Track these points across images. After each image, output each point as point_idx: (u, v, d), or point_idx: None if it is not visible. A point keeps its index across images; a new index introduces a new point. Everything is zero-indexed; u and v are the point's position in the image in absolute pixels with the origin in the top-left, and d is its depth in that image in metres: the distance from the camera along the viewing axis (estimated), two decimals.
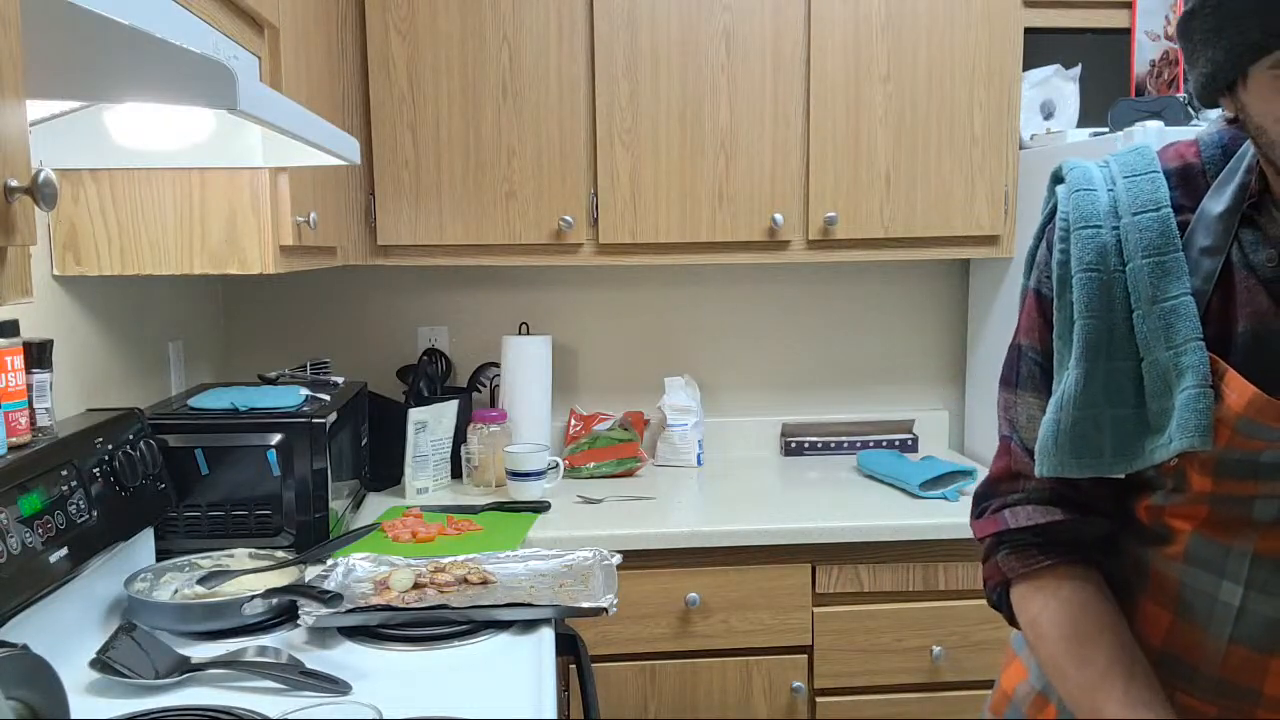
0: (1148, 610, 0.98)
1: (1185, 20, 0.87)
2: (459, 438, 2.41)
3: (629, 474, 2.49)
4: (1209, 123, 1.02)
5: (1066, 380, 0.94)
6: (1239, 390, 0.86)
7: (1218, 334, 0.89)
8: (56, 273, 1.65)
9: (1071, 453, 0.94)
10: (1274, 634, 0.90)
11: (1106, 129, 2.19)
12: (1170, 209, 0.92)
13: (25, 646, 1.02)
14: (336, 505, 1.90)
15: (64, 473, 1.38)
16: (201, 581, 1.59)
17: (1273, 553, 0.89)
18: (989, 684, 2.14)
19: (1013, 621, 1.04)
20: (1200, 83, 0.89)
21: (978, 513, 1.06)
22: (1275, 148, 0.84)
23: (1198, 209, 0.93)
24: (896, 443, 2.67)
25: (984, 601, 2.10)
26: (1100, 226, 0.93)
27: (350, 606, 1.52)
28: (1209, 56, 0.86)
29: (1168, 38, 2.51)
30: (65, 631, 1.43)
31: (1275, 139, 0.84)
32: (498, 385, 2.57)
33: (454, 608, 1.54)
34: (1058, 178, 1.02)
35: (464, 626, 1.52)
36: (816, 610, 2.10)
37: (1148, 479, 0.96)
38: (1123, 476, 0.97)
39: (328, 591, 1.48)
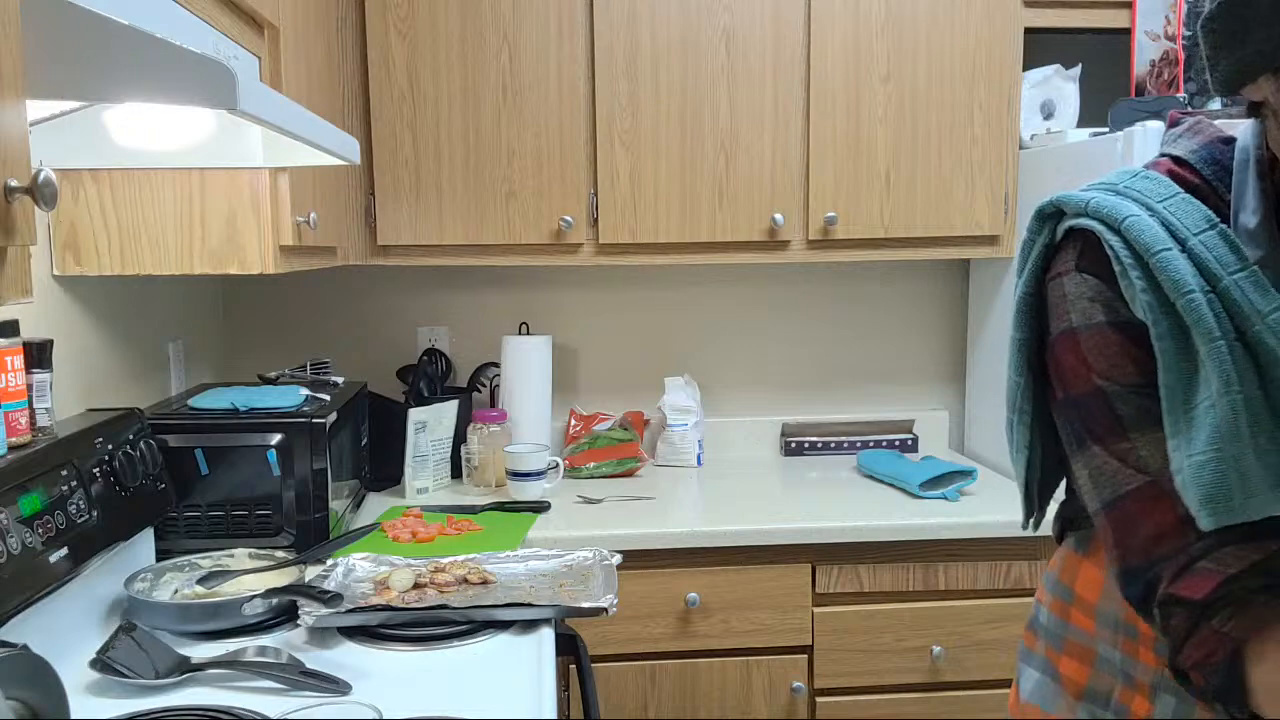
0: None
1: (1226, 8, 0.83)
2: (459, 438, 2.41)
3: (629, 474, 2.49)
4: (1181, 138, 0.99)
5: (1214, 412, 0.83)
6: None
7: None
8: (56, 273, 1.66)
9: (1243, 492, 0.82)
10: None
11: (1106, 129, 2.19)
12: (1224, 225, 0.88)
13: (25, 646, 1.02)
14: (336, 505, 1.91)
15: (64, 473, 1.38)
16: (201, 581, 1.59)
17: None
18: (989, 684, 2.14)
19: (1239, 703, 0.83)
20: (1234, 68, 0.85)
21: (1143, 588, 0.88)
22: None
23: (1231, 225, 0.90)
24: (896, 443, 2.67)
25: (984, 601, 2.10)
26: (1172, 249, 0.87)
27: (350, 606, 1.52)
28: (1247, 53, 0.83)
29: (1168, 38, 2.51)
30: (65, 631, 1.43)
31: None
32: (498, 385, 2.57)
33: (454, 608, 1.54)
34: (1051, 214, 0.97)
35: (464, 626, 1.52)
36: (816, 610, 2.10)
37: None
38: None
39: (328, 591, 1.48)
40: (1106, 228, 0.91)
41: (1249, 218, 0.89)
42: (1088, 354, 0.92)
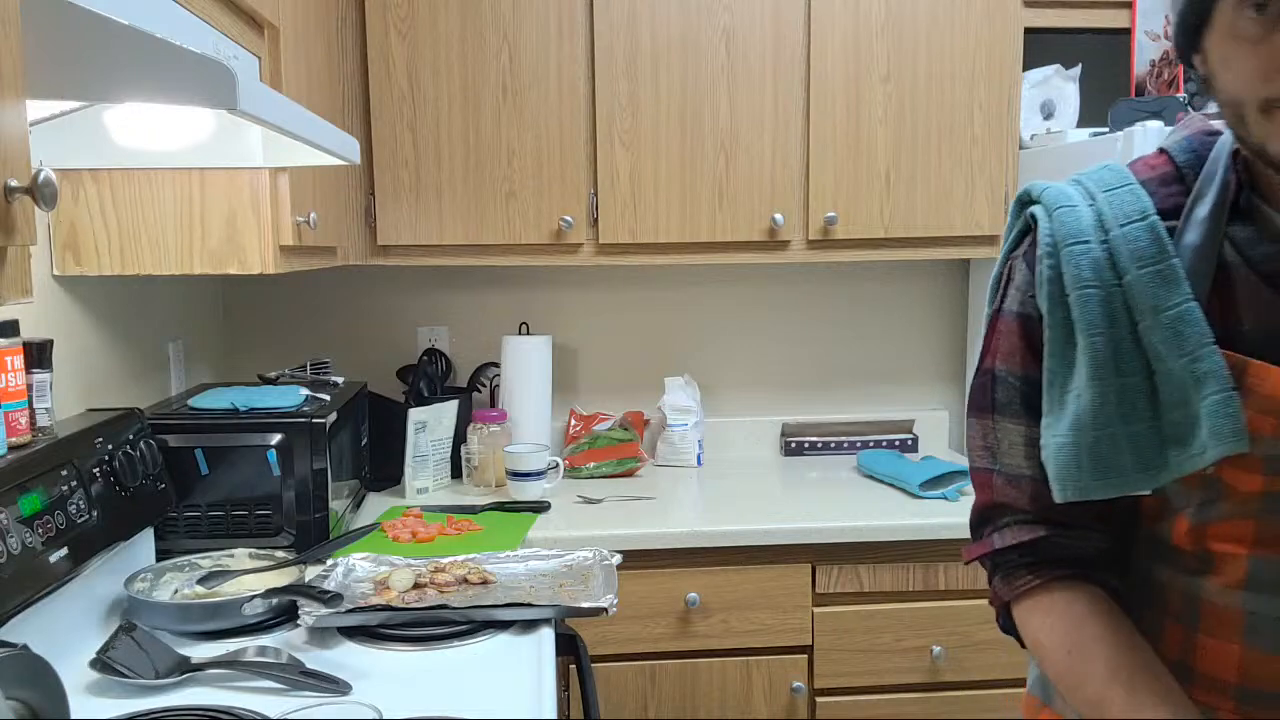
0: (1210, 647, 0.92)
1: None
2: (459, 438, 2.41)
3: (629, 474, 2.49)
4: (1174, 132, 1.01)
5: (1079, 401, 0.90)
6: (1270, 376, 0.84)
7: (1224, 334, 0.87)
8: (56, 273, 1.66)
9: (1094, 474, 0.90)
10: None
11: (1106, 129, 2.19)
12: (1156, 217, 0.91)
13: (25, 646, 1.02)
14: (336, 505, 1.90)
15: (64, 473, 1.38)
16: (201, 581, 1.59)
17: None
18: (989, 684, 2.14)
19: (1024, 646, 1.02)
20: (1174, 34, 0.89)
21: (974, 539, 1.04)
22: (1231, 104, 0.84)
23: (1183, 213, 0.92)
24: (896, 443, 2.67)
25: (984, 601, 2.10)
26: (1089, 241, 0.92)
27: (350, 606, 1.52)
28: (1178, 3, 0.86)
29: (1168, 38, 2.51)
30: (65, 631, 1.43)
31: (1231, 93, 0.83)
32: (498, 385, 2.57)
33: (454, 608, 1.54)
34: (1025, 201, 1.00)
35: (464, 626, 1.52)
36: (816, 610, 2.10)
37: (1168, 494, 0.93)
38: (1148, 493, 0.93)
39: (328, 591, 1.48)
40: (1045, 215, 0.95)
41: (1200, 207, 0.91)
42: (997, 336, 1.00)
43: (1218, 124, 0.97)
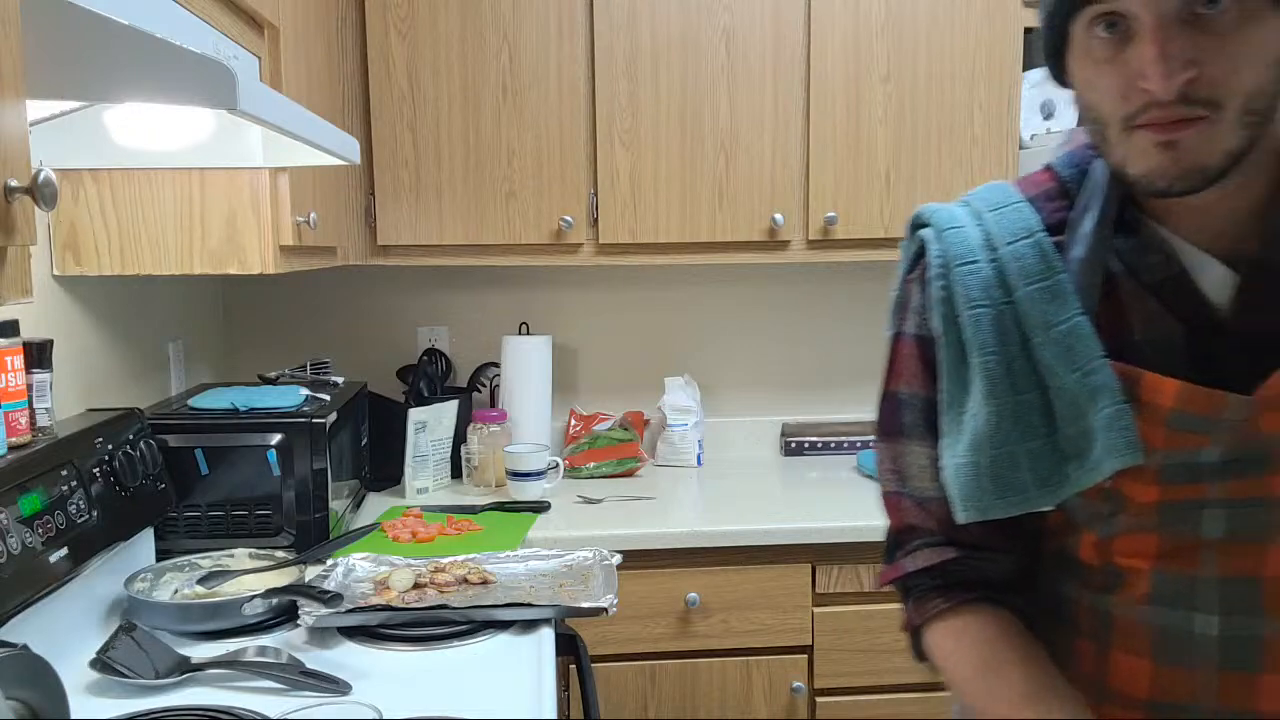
0: (1122, 662, 0.92)
1: None
2: (459, 438, 2.41)
3: (629, 474, 2.49)
4: (1060, 147, 1.01)
5: (975, 420, 0.90)
6: (1163, 388, 0.84)
7: (1116, 347, 0.86)
8: (56, 273, 1.65)
9: (995, 493, 0.90)
10: (1257, 651, 0.87)
11: None
12: (1044, 233, 0.91)
13: (25, 646, 1.02)
14: (336, 505, 1.90)
15: (64, 473, 1.38)
16: (201, 581, 1.59)
17: (1237, 571, 0.86)
18: None
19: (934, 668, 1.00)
20: (1044, 59, 0.89)
21: (886, 563, 1.02)
22: (1095, 124, 0.84)
23: (1069, 228, 0.92)
24: None
25: None
26: (978, 260, 0.92)
27: (350, 606, 1.52)
28: (1041, 19, 0.86)
29: None
30: (65, 631, 1.43)
31: (1094, 113, 0.83)
32: (498, 385, 2.57)
33: (454, 608, 1.54)
34: (917, 224, 0.99)
35: (464, 626, 1.52)
36: (816, 610, 2.10)
37: (1072, 510, 0.93)
38: (1052, 508, 0.92)
39: (328, 591, 1.48)
40: (935, 237, 0.96)
41: (1086, 221, 0.91)
42: (898, 359, 1.00)
43: None
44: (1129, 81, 0.79)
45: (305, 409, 1.84)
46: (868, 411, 2.76)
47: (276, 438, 1.78)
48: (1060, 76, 0.90)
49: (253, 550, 1.74)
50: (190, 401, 1.88)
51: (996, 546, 0.96)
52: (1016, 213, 0.93)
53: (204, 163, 1.45)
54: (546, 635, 1.52)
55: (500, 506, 2.21)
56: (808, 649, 2.11)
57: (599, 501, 2.26)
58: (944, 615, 0.95)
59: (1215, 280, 0.87)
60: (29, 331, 1.54)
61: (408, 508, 2.19)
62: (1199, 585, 0.87)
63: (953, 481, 0.92)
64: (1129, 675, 0.91)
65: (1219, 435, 0.84)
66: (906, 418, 0.98)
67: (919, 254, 0.99)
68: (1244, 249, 0.86)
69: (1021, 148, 2.41)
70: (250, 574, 1.64)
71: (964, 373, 0.92)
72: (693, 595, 2.05)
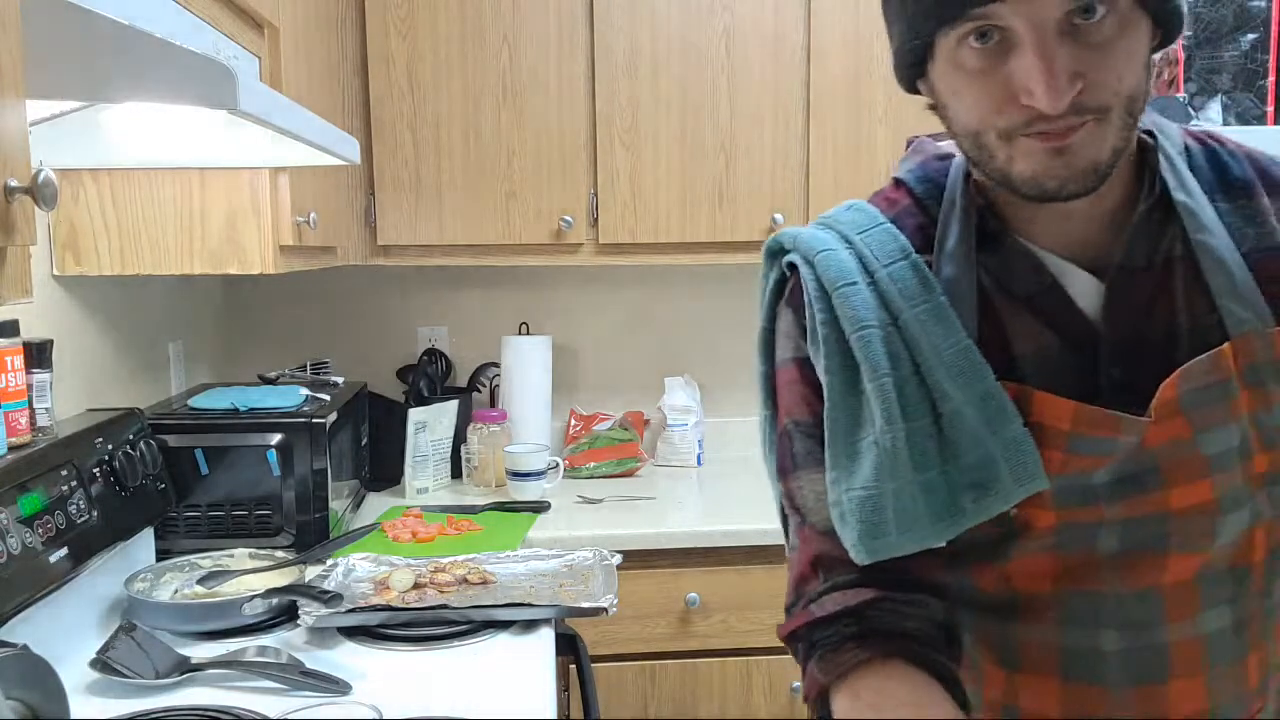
0: (1031, 685, 0.88)
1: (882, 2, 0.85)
2: (459, 438, 2.41)
3: (629, 474, 2.49)
4: (905, 161, 0.98)
5: (879, 447, 0.83)
6: (1058, 409, 0.81)
7: (1001, 365, 0.83)
8: (56, 272, 1.65)
9: (898, 528, 0.82)
10: (1163, 660, 0.85)
11: None
12: (916, 255, 0.87)
13: (25, 646, 1.02)
14: (336, 505, 1.90)
15: (64, 473, 1.38)
16: (201, 581, 1.59)
17: (1139, 584, 0.84)
18: None
19: None
20: (894, 64, 0.86)
21: (788, 617, 0.90)
22: (967, 134, 0.81)
23: (935, 247, 0.89)
24: None
25: None
26: (857, 282, 0.87)
27: (350, 606, 1.52)
28: (898, 30, 0.83)
29: None
30: (65, 631, 1.43)
31: (964, 123, 0.80)
32: (498, 385, 2.57)
33: (454, 608, 1.54)
34: (776, 250, 0.95)
35: (464, 626, 1.52)
36: None
37: (963, 543, 0.85)
38: (943, 545, 0.85)
39: (328, 591, 1.48)
40: (804, 262, 0.90)
41: (949, 238, 0.88)
42: (782, 390, 0.93)
43: (946, 146, 0.93)
44: (1007, 93, 0.76)
45: (305, 409, 1.84)
46: None
47: (276, 438, 1.78)
48: (912, 83, 0.87)
49: (253, 550, 1.74)
50: (190, 401, 1.88)
51: (918, 586, 0.85)
52: (886, 234, 0.89)
53: (204, 163, 1.45)
54: (546, 635, 1.52)
55: (500, 506, 2.21)
56: None
57: (599, 501, 2.26)
58: (862, 670, 0.81)
59: (1083, 289, 0.85)
60: (29, 331, 1.54)
61: (408, 508, 2.19)
62: (1102, 601, 0.85)
63: (852, 516, 0.83)
64: (1039, 697, 0.89)
65: (1115, 456, 0.81)
66: (799, 447, 0.90)
67: (781, 281, 0.95)
68: (1106, 256, 0.84)
69: None
70: (250, 574, 1.64)
71: (853, 401, 0.86)
72: (693, 595, 2.05)
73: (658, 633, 2.06)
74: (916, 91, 0.87)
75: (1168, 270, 0.85)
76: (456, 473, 2.42)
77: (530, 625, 1.54)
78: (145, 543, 1.70)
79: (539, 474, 2.25)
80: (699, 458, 2.58)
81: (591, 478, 2.47)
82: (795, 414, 0.91)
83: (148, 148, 1.37)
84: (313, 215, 1.73)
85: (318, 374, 2.25)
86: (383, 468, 2.38)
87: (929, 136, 0.98)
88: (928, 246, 0.89)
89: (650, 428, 2.66)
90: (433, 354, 2.57)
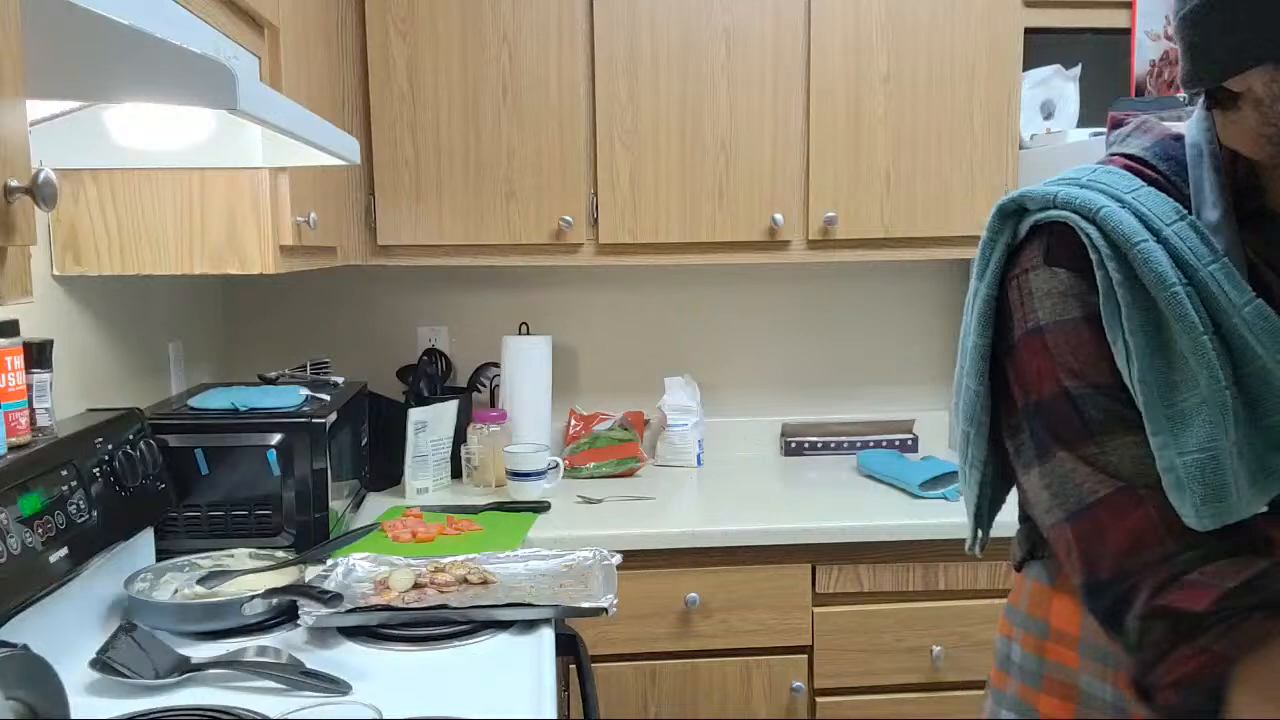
0: None
1: (1206, 8, 0.85)
2: (459, 438, 2.41)
3: (629, 474, 2.49)
4: (1131, 138, 0.98)
5: (1210, 407, 0.81)
6: None
7: None
8: (56, 273, 1.65)
9: (1236, 490, 0.79)
10: None
11: (1106, 129, 2.18)
12: (1193, 216, 0.87)
13: (25, 646, 1.02)
14: (336, 505, 1.90)
15: (64, 473, 1.38)
16: (201, 581, 1.59)
17: None
18: None
19: None
20: (1215, 54, 0.86)
21: (1112, 601, 0.83)
22: None
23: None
24: (896, 443, 2.67)
25: (984, 601, 2.10)
26: (1149, 240, 0.85)
27: (350, 606, 1.52)
28: (1258, 25, 0.83)
29: (1168, 38, 2.51)
30: (65, 631, 1.43)
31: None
32: (498, 385, 2.57)
33: (454, 608, 1.54)
34: (1013, 210, 0.94)
35: (464, 626, 1.52)
36: (816, 610, 2.09)
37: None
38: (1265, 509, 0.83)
39: (328, 591, 1.48)
40: (1081, 218, 0.89)
41: (1210, 212, 0.88)
42: (1056, 353, 0.89)
43: (1176, 126, 0.95)
44: None
45: (305, 409, 1.84)
46: (868, 411, 2.76)
47: (276, 438, 1.78)
48: (1216, 79, 0.87)
49: (253, 550, 1.74)
50: (190, 401, 1.88)
51: (1268, 548, 0.82)
52: (1157, 196, 0.89)
53: (204, 163, 1.44)
54: (546, 635, 1.52)
55: (500, 506, 2.21)
56: (807, 649, 2.11)
57: (599, 501, 2.26)
58: (1273, 642, 0.76)
59: None
60: (29, 331, 1.54)
61: (408, 508, 2.19)
62: None
63: (1192, 482, 0.80)
64: None
65: None
66: (1092, 414, 0.86)
67: (1014, 246, 0.93)
68: None
69: (1021, 148, 2.41)
70: (250, 574, 1.64)
71: (1161, 361, 0.84)
72: (693, 595, 2.05)
73: (657, 633, 2.06)
74: (1203, 87, 0.88)
75: None
76: (456, 473, 2.42)
77: (530, 625, 1.54)
78: (145, 543, 1.70)
79: (539, 474, 2.25)
80: (699, 458, 2.58)
81: (591, 478, 2.47)
82: (1088, 375, 0.87)
83: (148, 148, 1.37)
84: (313, 215, 1.73)
85: (318, 374, 2.25)
86: (383, 468, 2.38)
87: (1140, 115, 0.99)
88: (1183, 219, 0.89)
89: (650, 428, 2.66)
90: (433, 354, 2.57)
